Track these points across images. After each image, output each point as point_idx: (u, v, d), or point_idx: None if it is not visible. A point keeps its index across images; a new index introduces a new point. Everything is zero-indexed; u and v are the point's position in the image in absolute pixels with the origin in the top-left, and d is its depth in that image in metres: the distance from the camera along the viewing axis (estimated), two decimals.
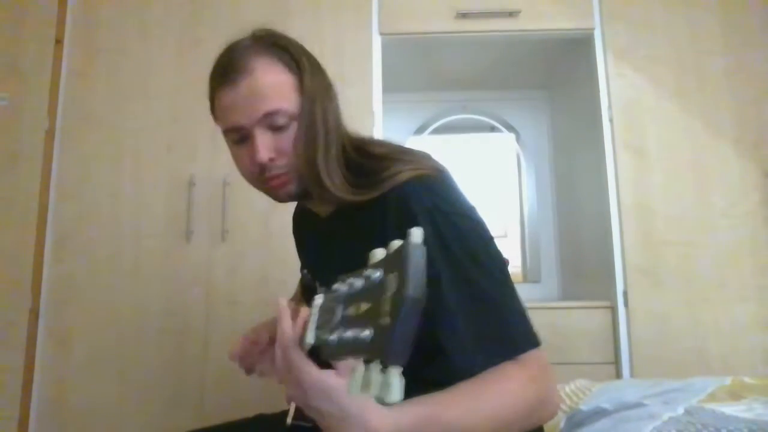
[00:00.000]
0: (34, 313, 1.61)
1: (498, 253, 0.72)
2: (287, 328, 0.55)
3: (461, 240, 0.67)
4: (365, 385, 0.38)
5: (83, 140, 1.71)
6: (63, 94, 1.73)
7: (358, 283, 0.44)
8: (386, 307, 0.38)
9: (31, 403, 1.57)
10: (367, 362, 0.39)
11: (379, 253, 0.44)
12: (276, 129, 0.74)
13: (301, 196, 0.81)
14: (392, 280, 0.39)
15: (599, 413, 0.93)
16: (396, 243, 0.41)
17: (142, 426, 1.58)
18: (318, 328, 0.49)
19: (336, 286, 0.48)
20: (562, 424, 0.98)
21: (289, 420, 0.75)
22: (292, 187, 0.78)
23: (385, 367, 0.37)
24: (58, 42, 1.73)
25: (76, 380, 1.59)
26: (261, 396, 1.51)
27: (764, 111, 1.73)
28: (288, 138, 0.75)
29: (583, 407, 0.98)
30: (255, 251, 1.66)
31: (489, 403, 0.60)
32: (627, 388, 1.09)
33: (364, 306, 0.41)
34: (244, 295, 1.64)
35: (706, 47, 1.77)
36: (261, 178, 0.77)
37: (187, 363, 1.61)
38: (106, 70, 1.74)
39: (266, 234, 1.65)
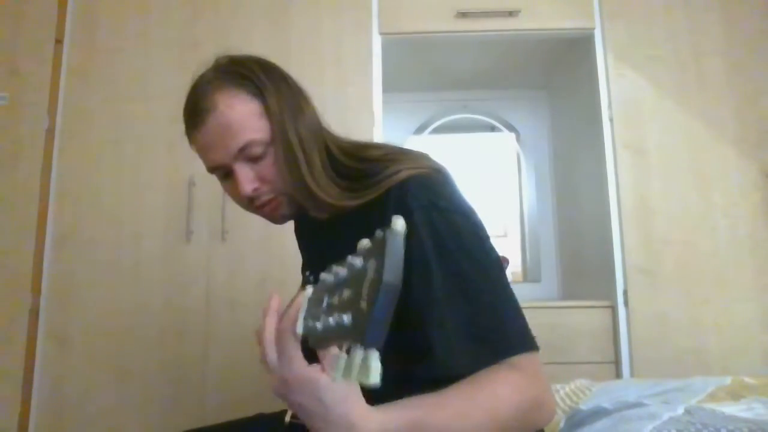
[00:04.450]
0: (34, 313, 1.61)
1: (494, 253, 0.72)
2: (285, 315, 0.54)
3: (457, 237, 0.67)
4: (347, 370, 0.39)
5: (83, 140, 1.71)
6: (63, 94, 1.72)
7: (342, 272, 0.45)
8: (365, 292, 0.39)
9: (31, 403, 1.57)
10: (349, 350, 0.40)
11: (365, 243, 0.45)
12: (254, 159, 0.75)
13: (298, 213, 0.83)
14: (371, 267, 0.40)
15: (599, 413, 0.93)
16: (379, 233, 0.42)
17: (142, 426, 1.58)
18: (306, 318, 0.50)
19: (323, 275, 0.48)
20: (562, 424, 0.98)
21: (287, 419, 0.76)
22: (285, 209, 0.80)
23: (365, 351, 0.38)
24: (58, 42, 1.74)
25: (76, 380, 1.59)
26: (261, 395, 1.51)
27: (764, 111, 1.73)
28: (268, 165, 0.76)
29: (583, 407, 0.98)
30: (255, 251, 1.66)
31: (479, 408, 0.58)
32: (627, 388, 1.09)
33: (347, 293, 0.43)
34: (244, 295, 1.64)
35: (706, 47, 1.77)
36: (253, 206, 0.80)
37: (187, 363, 1.61)
38: (106, 70, 1.74)
39: (266, 234, 1.65)
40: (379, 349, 0.38)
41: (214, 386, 1.60)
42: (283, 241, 1.61)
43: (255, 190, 0.77)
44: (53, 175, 1.68)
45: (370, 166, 0.75)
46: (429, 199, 0.68)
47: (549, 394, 0.64)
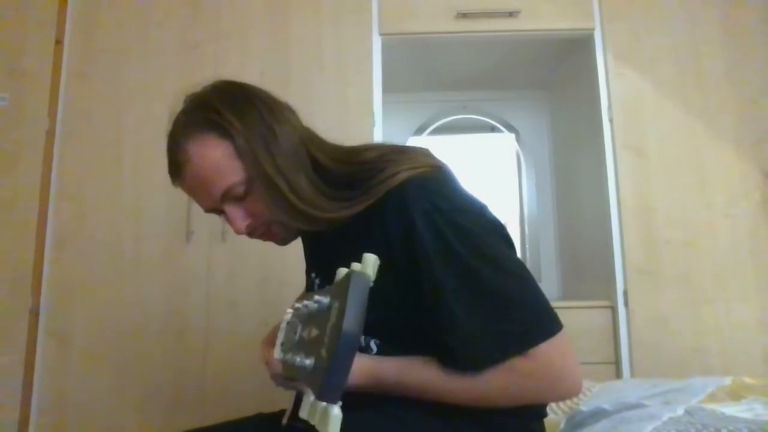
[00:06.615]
0: (34, 313, 1.61)
1: (508, 243, 0.71)
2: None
3: (462, 236, 0.65)
4: (312, 411, 0.40)
5: (83, 140, 1.71)
6: (63, 94, 1.73)
7: (312, 306, 0.45)
8: (326, 338, 0.40)
9: (31, 403, 1.57)
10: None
11: (341, 273, 0.45)
12: (240, 198, 0.76)
13: (299, 233, 0.84)
14: (335, 311, 0.40)
15: (599, 414, 0.93)
16: (355, 266, 0.43)
17: (141, 426, 1.58)
18: (282, 343, 0.53)
19: (298, 305, 0.49)
20: (562, 425, 0.98)
21: (284, 421, 0.76)
22: (283, 235, 0.81)
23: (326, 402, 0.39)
24: (58, 42, 1.73)
25: (76, 380, 1.59)
26: (260, 395, 1.51)
27: (764, 111, 1.73)
28: (255, 200, 0.75)
29: (584, 408, 0.98)
30: (255, 251, 1.65)
31: (472, 381, 0.63)
32: (627, 389, 1.09)
33: (314, 332, 0.43)
34: (244, 296, 1.64)
35: (706, 47, 1.77)
36: (252, 237, 0.81)
37: (187, 363, 1.61)
38: (106, 71, 1.74)
39: None
40: (336, 403, 0.39)
41: (214, 386, 1.60)
42: None
43: (248, 226, 0.78)
44: (53, 175, 1.68)
45: (366, 168, 0.73)
46: (430, 200, 0.67)
47: (559, 382, 0.64)
